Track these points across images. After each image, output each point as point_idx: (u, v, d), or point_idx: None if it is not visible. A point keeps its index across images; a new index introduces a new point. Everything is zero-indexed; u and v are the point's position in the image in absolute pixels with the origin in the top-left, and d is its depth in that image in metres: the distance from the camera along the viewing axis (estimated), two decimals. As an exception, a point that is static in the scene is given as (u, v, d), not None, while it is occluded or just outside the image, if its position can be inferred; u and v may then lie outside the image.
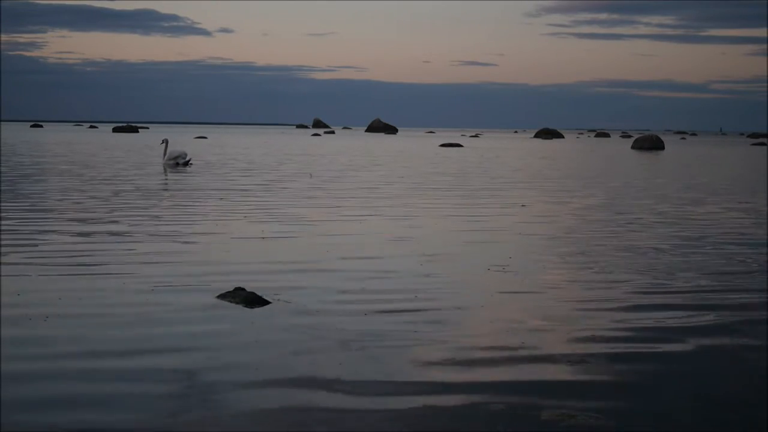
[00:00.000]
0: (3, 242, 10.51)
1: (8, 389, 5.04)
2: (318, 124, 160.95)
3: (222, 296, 7.51)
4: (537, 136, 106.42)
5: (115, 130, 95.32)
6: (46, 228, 12.06)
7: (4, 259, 9.28)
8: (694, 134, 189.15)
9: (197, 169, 26.77)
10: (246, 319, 6.84)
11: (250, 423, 4.63)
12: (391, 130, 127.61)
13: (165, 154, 29.07)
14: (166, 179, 22.40)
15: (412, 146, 61.44)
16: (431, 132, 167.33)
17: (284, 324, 6.69)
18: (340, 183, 22.12)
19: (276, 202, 16.58)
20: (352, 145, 61.44)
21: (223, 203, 16.01)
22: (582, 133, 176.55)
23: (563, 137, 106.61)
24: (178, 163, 28.43)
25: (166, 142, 29.85)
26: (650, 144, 60.86)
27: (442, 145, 61.60)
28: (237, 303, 7.30)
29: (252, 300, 7.34)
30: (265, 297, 7.47)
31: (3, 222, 12.51)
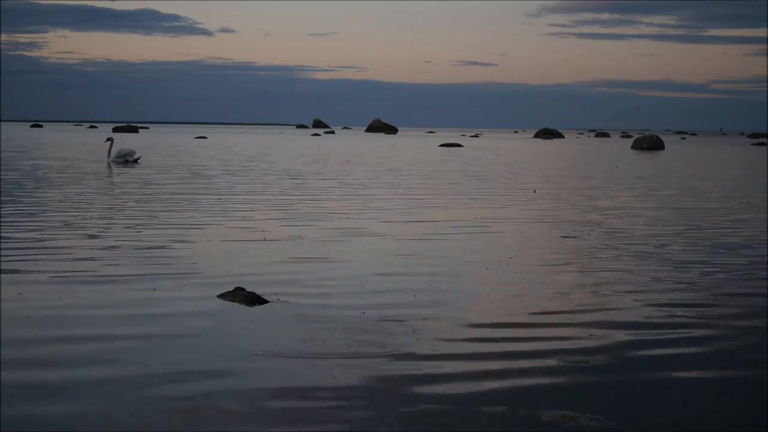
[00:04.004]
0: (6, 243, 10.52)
1: (7, 390, 5.05)
2: (318, 124, 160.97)
3: (222, 296, 7.52)
4: (537, 136, 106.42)
5: (115, 130, 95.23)
6: (45, 228, 12.07)
7: (3, 257, 9.29)
8: (694, 134, 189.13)
9: (205, 171, 26.78)
10: (245, 319, 6.84)
11: (250, 422, 4.63)
12: (391, 130, 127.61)
13: (110, 152, 29.33)
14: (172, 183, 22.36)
15: (414, 146, 61.43)
16: (431, 132, 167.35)
17: (283, 323, 6.70)
18: (340, 184, 22.14)
19: (277, 202, 16.59)
20: (352, 147, 61.39)
21: (222, 203, 16.02)
22: (582, 133, 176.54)
23: (563, 137, 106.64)
24: (127, 160, 28.80)
25: (111, 140, 30.07)
26: (650, 144, 60.86)
27: (442, 145, 61.60)
28: (237, 302, 7.32)
29: (252, 299, 7.36)
30: (264, 297, 7.48)
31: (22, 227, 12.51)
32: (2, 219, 12.84)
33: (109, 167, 27.14)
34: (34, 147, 45.58)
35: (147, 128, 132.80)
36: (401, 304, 7.41)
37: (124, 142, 45.52)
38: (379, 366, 5.63)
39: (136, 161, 29.02)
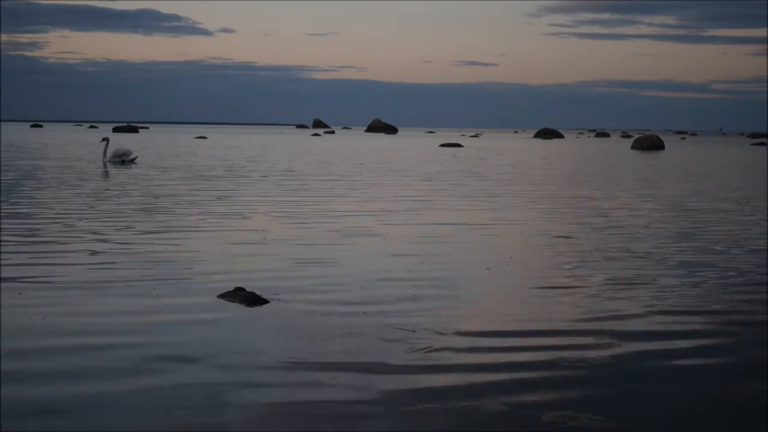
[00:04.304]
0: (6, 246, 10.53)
1: (7, 389, 5.05)
2: (318, 124, 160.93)
3: (222, 296, 7.53)
4: (537, 136, 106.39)
5: (116, 130, 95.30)
6: (43, 230, 12.08)
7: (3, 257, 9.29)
8: (694, 134, 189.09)
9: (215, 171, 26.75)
10: (246, 319, 6.85)
11: (250, 422, 4.63)
12: (390, 130, 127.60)
13: (105, 152, 29.27)
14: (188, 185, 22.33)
15: (414, 146, 61.45)
16: (431, 132, 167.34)
17: (283, 323, 6.70)
18: (341, 184, 22.14)
19: (278, 202, 16.58)
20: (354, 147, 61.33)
21: (221, 203, 16.02)
22: (582, 133, 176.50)
23: (563, 137, 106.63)
24: (124, 160, 28.82)
25: (106, 140, 30.06)
26: (650, 144, 60.84)
27: (442, 145, 61.60)
28: (237, 302, 7.32)
29: (252, 299, 7.36)
30: (264, 297, 7.48)
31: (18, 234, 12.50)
32: (1, 221, 12.85)
33: (105, 167, 27.11)
34: (33, 147, 45.57)
35: (147, 128, 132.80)
36: (401, 305, 7.41)
37: (125, 142, 45.54)
38: (378, 366, 5.63)
39: (132, 161, 29.02)
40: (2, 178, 21.40)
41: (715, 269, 9.53)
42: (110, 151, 29.23)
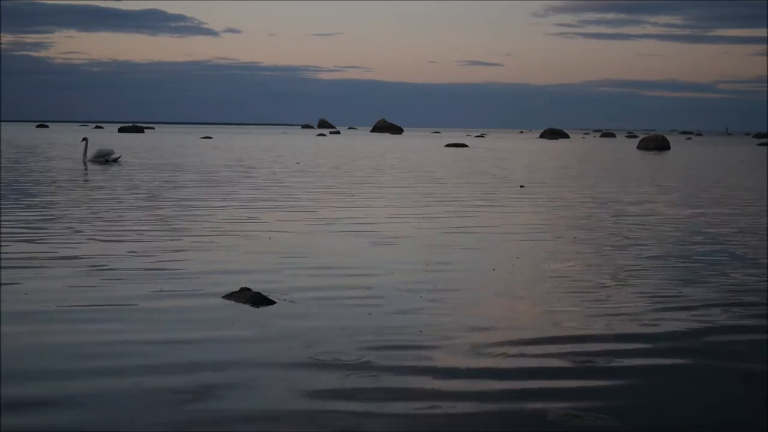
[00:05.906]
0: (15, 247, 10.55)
1: (10, 390, 5.06)
2: (323, 124, 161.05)
3: (228, 296, 7.54)
4: (542, 136, 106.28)
5: (121, 130, 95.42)
6: (46, 231, 12.11)
7: (5, 257, 9.32)
8: (699, 134, 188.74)
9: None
10: (251, 319, 6.85)
11: (255, 422, 4.64)
12: (396, 130, 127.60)
13: (85, 152, 29.33)
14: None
15: (421, 146, 61.43)
16: (437, 132, 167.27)
17: (289, 323, 6.71)
18: (347, 184, 22.14)
19: (284, 203, 16.59)
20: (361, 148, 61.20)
21: (227, 202, 16.02)
22: (587, 133, 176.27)
23: (569, 137, 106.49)
24: (107, 160, 28.91)
25: (86, 140, 30.12)
26: (655, 144, 60.81)
27: (448, 145, 61.58)
28: (243, 303, 7.33)
29: (258, 300, 7.37)
30: (270, 297, 7.49)
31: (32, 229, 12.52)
32: (1, 224, 12.88)
33: (85, 166, 27.17)
34: (37, 147, 45.64)
35: (153, 128, 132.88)
36: (408, 305, 7.41)
37: (134, 142, 45.56)
38: (385, 367, 5.63)
39: (116, 160, 29.14)
40: (5, 179, 21.43)
41: (722, 270, 9.52)
42: (92, 151, 29.40)
